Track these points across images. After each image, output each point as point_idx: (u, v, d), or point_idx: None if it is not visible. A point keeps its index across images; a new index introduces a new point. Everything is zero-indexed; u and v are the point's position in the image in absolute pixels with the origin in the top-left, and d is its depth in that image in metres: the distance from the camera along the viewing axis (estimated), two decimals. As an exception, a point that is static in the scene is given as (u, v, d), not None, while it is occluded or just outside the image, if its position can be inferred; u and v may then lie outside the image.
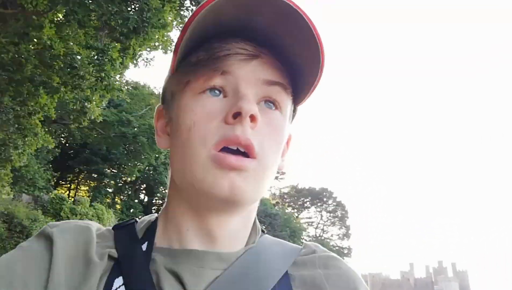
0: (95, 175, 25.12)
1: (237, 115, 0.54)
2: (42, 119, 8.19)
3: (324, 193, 64.04)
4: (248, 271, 0.58)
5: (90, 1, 6.26)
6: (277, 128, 0.59)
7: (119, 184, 26.44)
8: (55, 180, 23.54)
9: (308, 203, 64.27)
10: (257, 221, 0.67)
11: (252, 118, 0.54)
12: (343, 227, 64.88)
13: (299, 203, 63.73)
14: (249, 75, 0.56)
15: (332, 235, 64.68)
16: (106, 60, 6.63)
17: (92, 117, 8.83)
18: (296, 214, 63.01)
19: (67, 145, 24.26)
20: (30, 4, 6.36)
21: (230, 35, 0.57)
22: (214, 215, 0.58)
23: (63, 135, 18.39)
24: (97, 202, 19.71)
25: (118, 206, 24.55)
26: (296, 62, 0.58)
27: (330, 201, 64.31)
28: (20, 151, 8.05)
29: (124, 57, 7.91)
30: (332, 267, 0.64)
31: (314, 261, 0.65)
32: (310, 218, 64.60)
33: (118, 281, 0.54)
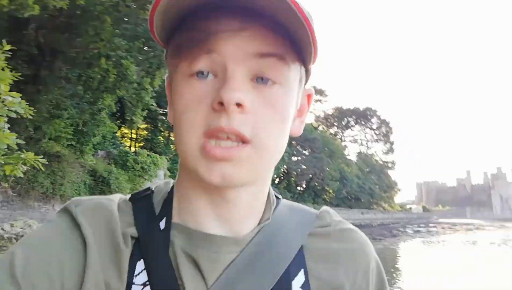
0: (150, 119, 29.64)
1: (222, 103, 0.50)
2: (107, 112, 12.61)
3: (368, 112, 65.01)
4: (264, 251, 0.58)
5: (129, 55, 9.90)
6: (276, 104, 0.54)
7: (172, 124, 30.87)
8: (118, 126, 28.37)
9: (352, 122, 65.82)
10: (271, 191, 0.65)
11: (238, 105, 0.50)
12: (387, 142, 66.78)
13: (343, 123, 65.42)
14: (237, 50, 0.51)
15: (376, 151, 67.12)
16: (141, 90, 10.49)
17: (137, 127, 13.11)
18: (341, 134, 65.17)
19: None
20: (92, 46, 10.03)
21: (212, 10, 0.51)
22: (221, 193, 0.56)
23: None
24: (153, 145, 24.46)
25: (172, 146, 29.05)
26: (287, 27, 0.51)
27: (374, 119, 65.57)
28: (96, 137, 12.64)
29: (153, 80, 12.32)
30: (346, 240, 0.64)
31: (329, 234, 0.64)
32: (354, 136, 66.73)
33: (140, 264, 0.54)
